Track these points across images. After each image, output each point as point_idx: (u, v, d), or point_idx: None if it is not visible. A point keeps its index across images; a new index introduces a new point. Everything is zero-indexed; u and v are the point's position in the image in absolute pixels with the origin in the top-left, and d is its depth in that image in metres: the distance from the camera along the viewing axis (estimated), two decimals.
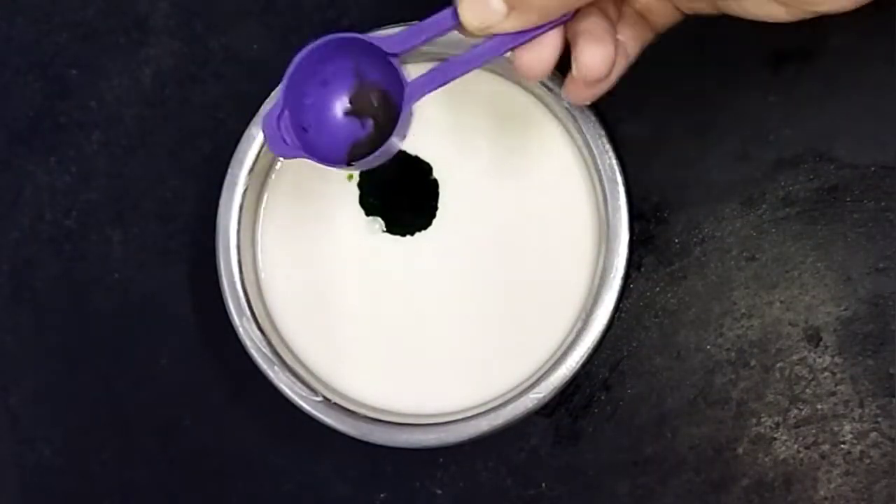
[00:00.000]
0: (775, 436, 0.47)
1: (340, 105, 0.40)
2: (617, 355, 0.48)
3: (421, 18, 0.47)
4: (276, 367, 0.46)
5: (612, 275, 0.45)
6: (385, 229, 0.47)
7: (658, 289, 0.48)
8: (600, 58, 0.37)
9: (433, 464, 0.49)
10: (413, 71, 0.48)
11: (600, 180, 0.46)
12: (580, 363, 0.45)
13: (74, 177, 0.52)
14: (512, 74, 0.47)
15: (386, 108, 0.40)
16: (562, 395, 0.47)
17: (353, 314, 0.48)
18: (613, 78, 0.39)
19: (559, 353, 0.45)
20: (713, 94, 0.48)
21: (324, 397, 0.46)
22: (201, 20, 0.52)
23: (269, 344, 0.47)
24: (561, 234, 0.47)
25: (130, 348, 0.51)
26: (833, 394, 0.47)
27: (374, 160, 0.39)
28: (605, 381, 0.48)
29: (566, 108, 0.46)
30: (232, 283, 0.47)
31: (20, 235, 0.52)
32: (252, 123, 0.47)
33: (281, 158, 0.48)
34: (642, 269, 0.48)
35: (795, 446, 0.47)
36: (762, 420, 0.47)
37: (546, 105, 0.47)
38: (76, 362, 0.52)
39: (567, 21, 0.38)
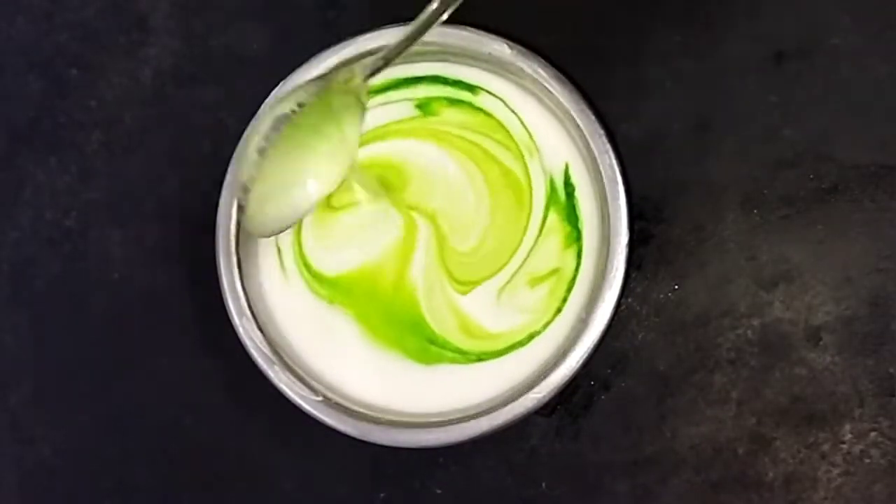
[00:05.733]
0: (775, 436, 0.47)
1: None
2: (617, 355, 0.48)
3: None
4: (276, 367, 0.46)
5: (612, 274, 0.45)
6: None
7: (658, 288, 0.48)
8: None
9: (433, 464, 0.49)
10: (414, 69, 0.48)
11: (600, 180, 0.46)
12: (580, 363, 0.45)
13: (74, 177, 0.52)
14: (512, 73, 0.47)
15: None
16: (562, 395, 0.47)
17: (354, 313, 0.48)
18: None
19: (559, 353, 0.45)
20: (713, 93, 0.48)
21: (324, 397, 0.46)
22: (201, 20, 0.52)
23: (269, 344, 0.47)
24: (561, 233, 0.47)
25: (130, 348, 0.51)
26: (833, 394, 0.47)
27: None
28: (605, 381, 0.48)
29: (566, 108, 0.46)
30: (232, 283, 0.47)
31: (20, 235, 0.52)
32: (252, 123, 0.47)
33: None
34: (642, 269, 0.48)
35: (795, 446, 0.47)
36: (762, 420, 0.47)
37: (546, 105, 0.47)
38: (76, 362, 0.52)
39: None
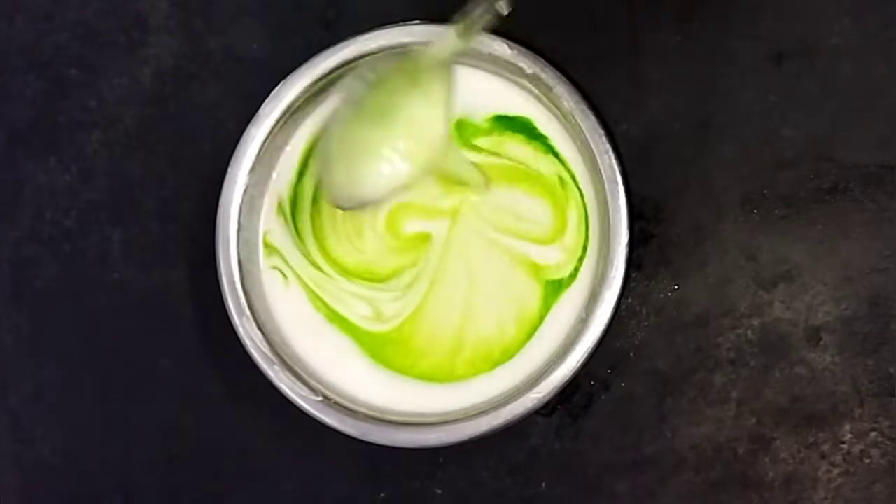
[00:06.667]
0: (775, 436, 0.47)
1: None
2: (617, 355, 0.48)
3: (420, 19, 0.47)
4: (276, 367, 0.46)
5: (612, 274, 0.45)
6: None
7: (658, 289, 0.48)
8: None
9: (433, 464, 0.49)
10: None
11: (600, 180, 0.46)
12: (580, 363, 0.45)
13: (74, 177, 0.52)
14: (512, 73, 0.47)
15: None
16: (562, 394, 0.47)
17: (354, 313, 0.48)
18: None
19: (559, 353, 0.45)
20: (713, 93, 0.48)
21: (324, 397, 0.46)
22: (201, 20, 0.52)
23: (269, 344, 0.47)
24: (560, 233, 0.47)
25: (130, 348, 0.51)
26: (833, 394, 0.47)
27: None
28: (605, 381, 0.48)
29: (566, 108, 0.46)
30: (232, 283, 0.47)
31: (20, 235, 0.52)
32: (252, 123, 0.47)
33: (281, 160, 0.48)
34: (642, 269, 0.48)
35: (795, 446, 0.47)
36: (762, 420, 0.47)
37: (546, 105, 0.47)
38: (76, 362, 0.51)
39: None
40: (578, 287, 0.46)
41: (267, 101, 0.47)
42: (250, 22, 0.51)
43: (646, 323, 0.48)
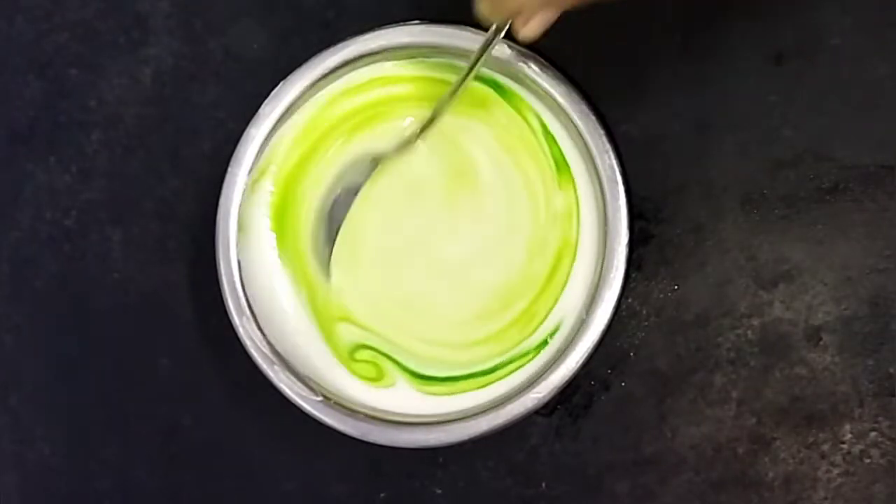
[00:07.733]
0: (775, 435, 0.47)
1: None
2: (617, 355, 0.48)
3: (420, 19, 0.47)
4: (276, 367, 0.46)
5: (612, 274, 0.45)
6: None
7: (658, 289, 0.48)
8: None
9: (433, 464, 0.49)
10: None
11: (600, 180, 0.46)
12: (580, 363, 0.45)
13: (74, 177, 0.52)
14: (513, 73, 0.47)
15: None
16: (562, 394, 0.47)
17: (354, 313, 0.48)
18: None
19: (559, 354, 0.45)
20: (713, 94, 0.48)
21: (324, 397, 0.46)
22: (201, 20, 0.52)
23: (269, 344, 0.47)
24: (561, 233, 0.47)
25: (130, 348, 0.51)
26: (833, 394, 0.47)
27: None
28: (605, 381, 0.48)
29: (566, 109, 0.46)
30: (232, 283, 0.47)
31: (20, 235, 0.52)
32: (252, 123, 0.47)
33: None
34: (642, 269, 0.48)
35: (795, 446, 0.47)
36: (762, 420, 0.47)
37: (546, 105, 0.47)
38: (76, 362, 0.52)
39: None
40: (579, 287, 0.46)
41: (267, 101, 0.47)
42: (250, 22, 0.51)
43: (646, 323, 0.48)
